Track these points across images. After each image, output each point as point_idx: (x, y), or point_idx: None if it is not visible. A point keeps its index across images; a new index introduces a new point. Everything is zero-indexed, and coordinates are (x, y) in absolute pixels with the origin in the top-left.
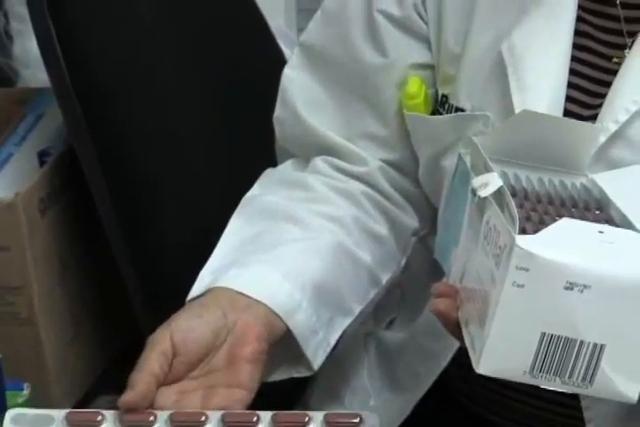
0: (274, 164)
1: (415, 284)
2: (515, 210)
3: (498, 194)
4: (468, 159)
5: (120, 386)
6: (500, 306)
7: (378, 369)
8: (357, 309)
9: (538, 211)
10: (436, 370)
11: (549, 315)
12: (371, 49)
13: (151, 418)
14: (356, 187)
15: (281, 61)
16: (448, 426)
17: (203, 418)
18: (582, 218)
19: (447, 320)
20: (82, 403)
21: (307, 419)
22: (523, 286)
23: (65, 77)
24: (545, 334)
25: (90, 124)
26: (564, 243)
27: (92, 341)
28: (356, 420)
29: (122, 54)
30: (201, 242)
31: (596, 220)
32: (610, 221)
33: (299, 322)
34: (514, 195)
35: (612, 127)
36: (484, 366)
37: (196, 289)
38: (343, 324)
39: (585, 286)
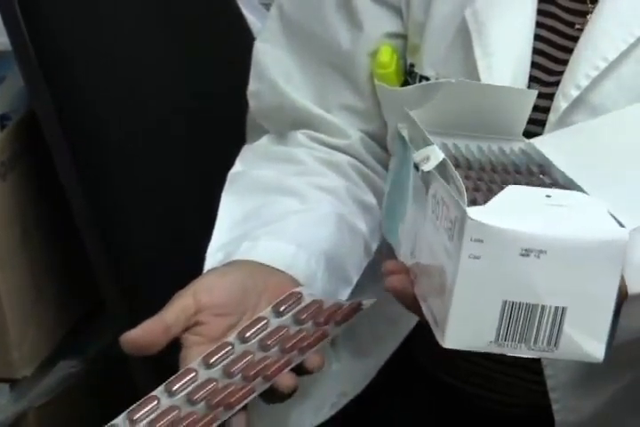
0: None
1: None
2: (461, 181)
3: (441, 167)
4: (405, 133)
5: (81, 351)
6: (459, 279)
7: (340, 333)
8: (355, 279)
9: (484, 180)
10: (400, 335)
11: (508, 283)
12: (344, 20)
13: None
14: (342, 158)
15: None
16: (411, 391)
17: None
18: (528, 183)
19: (404, 296)
20: (43, 368)
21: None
22: (479, 257)
23: (26, 41)
24: (506, 302)
25: (51, 87)
26: (515, 210)
27: (53, 305)
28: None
29: (83, 17)
30: (162, 204)
31: (542, 184)
32: (555, 183)
33: (317, 291)
34: (457, 165)
35: (574, 93)
36: (450, 340)
37: (209, 265)
38: (345, 294)
39: (541, 252)
